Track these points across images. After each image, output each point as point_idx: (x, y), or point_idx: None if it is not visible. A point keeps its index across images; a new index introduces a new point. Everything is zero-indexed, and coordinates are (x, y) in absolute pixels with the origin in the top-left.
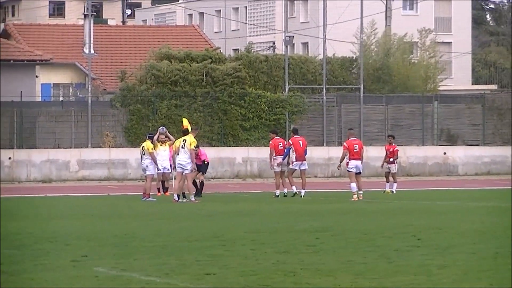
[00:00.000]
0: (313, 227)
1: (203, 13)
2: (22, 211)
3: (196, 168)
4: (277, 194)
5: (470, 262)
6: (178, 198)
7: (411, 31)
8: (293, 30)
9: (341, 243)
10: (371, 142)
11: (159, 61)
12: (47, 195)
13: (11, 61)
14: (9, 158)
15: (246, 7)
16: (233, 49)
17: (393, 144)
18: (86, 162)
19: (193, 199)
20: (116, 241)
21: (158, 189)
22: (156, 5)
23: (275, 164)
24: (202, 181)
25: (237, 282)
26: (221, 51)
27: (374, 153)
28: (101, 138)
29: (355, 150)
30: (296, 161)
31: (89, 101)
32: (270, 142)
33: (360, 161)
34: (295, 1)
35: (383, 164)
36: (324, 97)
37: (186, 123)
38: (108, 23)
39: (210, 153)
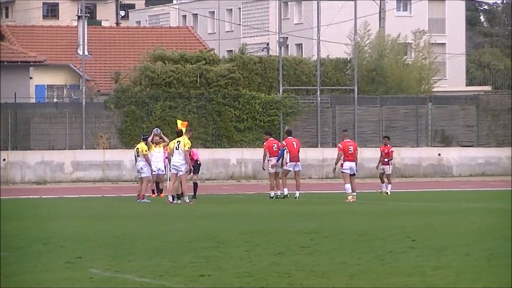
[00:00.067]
0: (308, 228)
1: (197, 14)
2: (16, 213)
3: (191, 170)
4: (271, 196)
5: (464, 264)
6: (173, 200)
7: (405, 32)
8: (287, 31)
9: (335, 244)
10: (366, 143)
11: (153, 63)
12: (42, 196)
13: (5, 63)
14: (3, 159)
15: (240, 8)
16: (227, 51)
17: (388, 145)
18: (80, 164)
19: (187, 200)
20: (111, 242)
21: (153, 190)
22: (150, 6)
23: (270, 166)
24: (196, 182)
25: (231, 283)
26: (215, 52)
27: (369, 155)
28: (95, 140)
29: (349, 152)
30: (290, 162)
31: (83, 103)
32: (264, 143)
33: (354, 163)
34: (289, 3)
35: (378, 165)
36: (318, 99)
37: (180, 124)
38: (102, 24)
39: (204, 154)
